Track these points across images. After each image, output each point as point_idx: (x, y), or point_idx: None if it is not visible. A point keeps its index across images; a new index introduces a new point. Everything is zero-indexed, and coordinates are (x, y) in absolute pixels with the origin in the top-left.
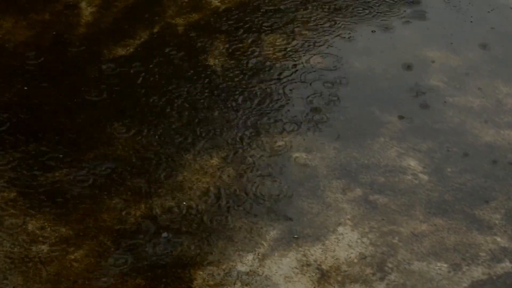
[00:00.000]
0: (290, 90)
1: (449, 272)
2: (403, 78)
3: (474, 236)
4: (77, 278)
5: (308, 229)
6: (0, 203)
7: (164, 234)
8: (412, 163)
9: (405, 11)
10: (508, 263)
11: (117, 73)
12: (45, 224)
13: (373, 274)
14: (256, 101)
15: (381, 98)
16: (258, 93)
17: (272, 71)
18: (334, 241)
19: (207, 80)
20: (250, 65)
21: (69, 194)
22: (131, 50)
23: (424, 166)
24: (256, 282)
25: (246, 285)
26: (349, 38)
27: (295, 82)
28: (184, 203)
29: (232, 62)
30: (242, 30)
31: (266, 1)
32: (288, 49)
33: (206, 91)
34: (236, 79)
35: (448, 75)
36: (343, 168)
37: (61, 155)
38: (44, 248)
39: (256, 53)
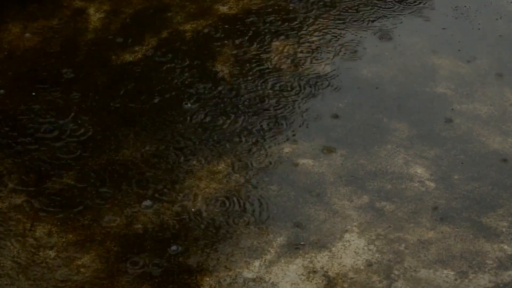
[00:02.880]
0: (297, 96)
1: (455, 279)
2: (410, 85)
3: (481, 244)
4: (84, 284)
5: (314, 236)
6: (7, 208)
7: (174, 247)
8: (419, 170)
9: (413, 18)
10: None
11: (125, 79)
12: (53, 229)
13: (380, 282)
14: (263, 108)
15: (389, 105)
16: (265, 99)
17: (279, 77)
18: (341, 248)
19: (214, 86)
20: (257, 71)
21: (77, 199)
22: (139, 56)
23: (431, 173)
24: None
25: None
26: (356, 45)
27: (302, 89)
28: (192, 209)
29: (239, 68)
30: (249, 37)
31: (273, 8)
32: (296, 56)
33: (213, 97)
34: (243, 85)
35: (456, 82)
36: (350, 175)
37: (69, 160)
38: (51, 253)
39: (263, 60)
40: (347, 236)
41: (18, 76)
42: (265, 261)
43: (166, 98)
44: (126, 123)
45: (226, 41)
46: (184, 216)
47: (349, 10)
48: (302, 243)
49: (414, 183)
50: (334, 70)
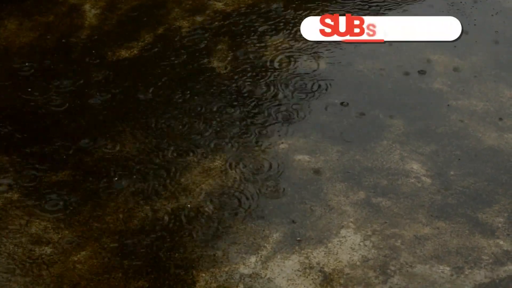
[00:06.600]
0: (294, 92)
1: (451, 275)
2: (406, 81)
3: (476, 240)
4: (80, 280)
5: (311, 232)
6: (3, 204)
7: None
8: (415, 166)
9: (409, 14)
10: (511, 267)
11: (120, 76)
12: (48, 225)
13: (376, 277)
14: (259, 104)
15: (385, 101)
16: (262, 95)
17: (276, 73)
18: (337, 243)
19: (210, 82)
20: (253, 67)
21: (73, 196)
22: (135, 52)
23: (427, 169)
24: (258, 284)
25: (249, 287)
26: (353, 42)
27: (299, 85)
28: (188, 205)
29: (235, 64)
30: (245, 33)
31: (270, 4)
32: (292, 52)
33: (210, 93)
34: (240, 82)
35: (452, 78)
36: (346, 171)
37: (64, 157)
38: (47, 249)
39: (260, 56)
40: (343, 232)
41: (13, 72)
42: (261, 257)
43: (162, 94)
44: (122, 119)
45: (222, 37)
46: (180, 212)
47: (348, 7)
48: (298, 239)
49: (410, 179)
50: (330, 65)
